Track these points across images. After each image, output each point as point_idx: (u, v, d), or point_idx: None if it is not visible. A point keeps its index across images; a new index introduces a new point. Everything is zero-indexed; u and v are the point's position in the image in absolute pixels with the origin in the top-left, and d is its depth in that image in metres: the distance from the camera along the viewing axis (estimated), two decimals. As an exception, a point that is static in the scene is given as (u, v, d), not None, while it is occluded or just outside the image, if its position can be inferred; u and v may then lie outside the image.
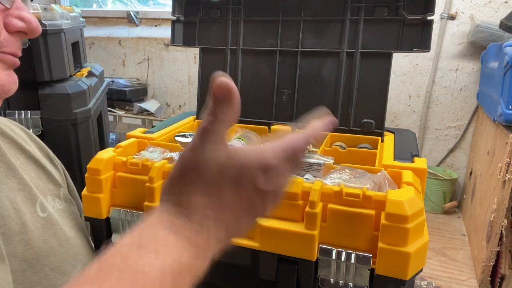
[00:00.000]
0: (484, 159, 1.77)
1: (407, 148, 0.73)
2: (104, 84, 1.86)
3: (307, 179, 0.60)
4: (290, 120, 0.86)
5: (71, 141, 1.38)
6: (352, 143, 0.81)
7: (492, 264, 1.49)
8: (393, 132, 0.84)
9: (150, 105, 2.63)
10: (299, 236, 0.52)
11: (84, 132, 1.42)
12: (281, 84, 0.87)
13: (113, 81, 2.60)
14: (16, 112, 1.30)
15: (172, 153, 0.70)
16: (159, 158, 0.67)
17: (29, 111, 1.31)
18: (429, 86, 2.21)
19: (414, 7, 0.76)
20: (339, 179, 0.58)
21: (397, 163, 0.64)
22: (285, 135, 0.34)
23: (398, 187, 0.58)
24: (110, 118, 2.48)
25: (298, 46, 0.85)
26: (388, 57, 0.79)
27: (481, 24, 1.92)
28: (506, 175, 1.39)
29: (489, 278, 1.52)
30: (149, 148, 0.72)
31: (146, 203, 0.61)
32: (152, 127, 0.85)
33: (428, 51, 0.76)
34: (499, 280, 1.49)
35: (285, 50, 0.86)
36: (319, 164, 0.63)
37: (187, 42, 0.94)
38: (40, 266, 0.46)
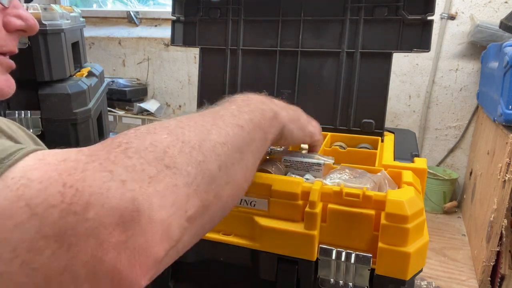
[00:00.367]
0: (484, 159, 1.77)
1: (407, 148, 0.73)
2: (104, 84, 1.86)
3: (307, 179, 0.60)
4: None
5: (71, 141, 1.38)
6: (352, 143, 0.81)
7: (492, 264, 1.49)
8: (393, 132, 0.84)
9: (150, 105, 2.63)
10: (299, 236, 0.52)
11: (84, 132, 1.42)
12: (281, 84, 0.87)
13: (113, 81, 2.60)
14: (16, 112, 1.30)
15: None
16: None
17: (29, 111, 1.31)
18: (429, 86, 2.21)
19: (414, 7, 0.76)
20: (339, 179, 0.58)
21: (397, 163, 0.64)
22: None
23: (398, 187, 0.58)
24: (110, 118, 2.48)
25: (298, 46, 0.85)
26: (388, 57, 0.79)
27: (481, 24, 1.92)
28: (506, 175, 1.39)
29: (489, 278, 1.52)
30: (149, 148, 0.72)
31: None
32: (152, 127, 0.85)
33: (428, 51, 0.76)
34: (499, 280, 1.49)
35: (285, 50, 0.86)
36: (319, 164, 0.63)
37: (187, 42, 0.93)
38: None
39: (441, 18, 2.10)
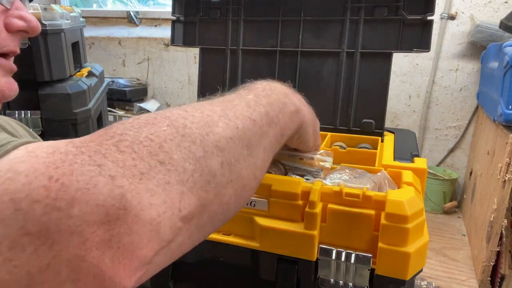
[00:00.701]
0: (484, 159, 1.77)
1: (407, 148, 0.73)
2: (104, 84, 1.86)
3: (307, 179, 0.60)
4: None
5: (71, 141, 1.38)
6: (352, 143, 0.81)
7: (492, 264, 1.49)
8: (393, 132, 0.84)
9: (150, 105, 2.63)
10: (299, 236, 0.52)
11: (84, 132, 1.42)
12: (281, 84, 0.87)
13: (113, 81, 2.60)
14: (16, 112, 1.30)
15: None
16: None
17: (29, 111, 1.31)
18: (429, 86, 2.21)
19: (414, 7, 0.76)
20: (339, 179, 0.58)
21: (397, 163, 0.64)
22: None
23: (398, 187, 0.58)
24: (110, 118, 2.48)
25: (298, 46, 0.85)
26: (388, 57, 0.79)
27: (481, 24, 1.92)
28: (506, 175, 1.39)
29: (489, 278, 1.52)
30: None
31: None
32: (152, 127, 0.85)
33: (428, 51, 0.76)
34: (499, 280, 1.49)
35: (285, 50, 0.86)
36: (318, 171, 0.63)
37: (187, 42, 0.93)
38: None
39: (441, 18, 2.10)
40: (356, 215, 0.52)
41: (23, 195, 0.23)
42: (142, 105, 2.59)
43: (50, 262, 0.23)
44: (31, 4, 1.29)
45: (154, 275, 0.28)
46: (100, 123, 1.70)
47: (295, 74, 0.86)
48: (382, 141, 0.79)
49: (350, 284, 0.52)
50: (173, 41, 0.92)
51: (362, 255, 0.51)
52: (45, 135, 1.31)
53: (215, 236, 0.57)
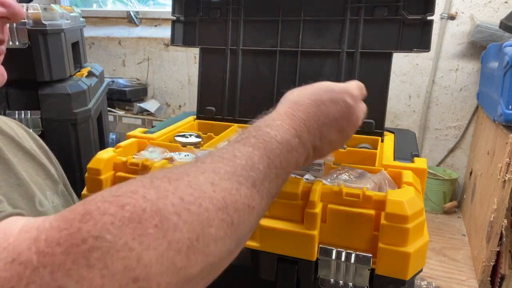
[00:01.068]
0: (484, 159, 1.77)
1: (407, 148, 0.73)
2: (104, 84, 1.86)
3: (307, 179, 0.60)
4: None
5: (71, 141, 1.38)
6: (352, 143, 0.81)
7: (492, 264, 1.49)
8: (393, 132, 0.84)
9: (150, 105, 2.63)
10: (299, 236, 0.52)
11: (84, 132, 1.42)
12: (281, 84, 0.87)
13: (113, 81, 2.60)
14: (16, 112, 1.30)
15: (172, 153, 0.70)
16: (159, 158, 0.67)
17: (29, 111, 1.31)
18: (429, 86, 2.21)
19: (414, 7, 0.76)
20: (339, 179, 0.58)
21: (397, 163, 0.64)
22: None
23: (398, 187, 0.58)
24: (110, 118, 2.48)
25: (298, 46, 0.85)
26: (388, 57, 0.79)
27: (481, 24, 1.92)
28: (506, 175, 1.39)
29: (489, 278, 1.52)
30: (149, 148, 0.72)
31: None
32: (152, 127, 0.85)
33: (428, 51, 0.76)
34: (499, 280, 1.49)
35: (285, 50, 0.86)
36: (319, 164, 0.63)
37: (187, 42, 0.93)
38: None
39: (441, 18, 2.10)
40: (356, 215, 0.52)
41: None
42: (142, 105, 2.59)
43: None
44: (31, 4, 1.29)
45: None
46: (100, 123, 1.70)
47: (295, 74, 0.86)
48: (382, 141, 0.79)
49: (350, 284, 0.52)
50: (173, 41, 0.92)
51: (362, 255, 0.51)
52: (45, 135, 1.31)
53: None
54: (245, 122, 0.88)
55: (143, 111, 2.59)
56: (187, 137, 0.79)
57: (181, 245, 0.24)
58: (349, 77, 0.82)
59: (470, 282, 1.62)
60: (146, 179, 0.27)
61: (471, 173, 2.07)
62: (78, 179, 1.30)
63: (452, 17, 2.10)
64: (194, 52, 2.60)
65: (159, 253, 0.23)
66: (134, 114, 2.57)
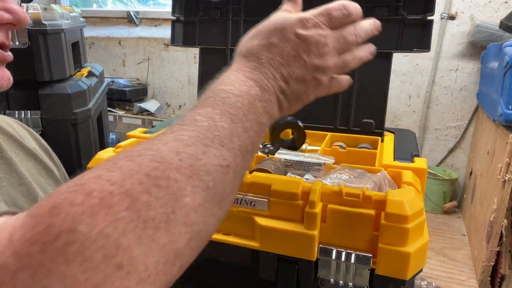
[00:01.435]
0: (484, 159, 1.77)
1: (407, 148, 0.73)
2: (104, 84, 1.86)
3: (307, 179, 0.60)
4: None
5: (71, 141, 1.38)
6: (352, 143, 0.81)
7: (492, 264, 1.49)
8: (393, 132, 0.84)
9: (150, 105, 2.63)
10: (299, 236, 0.52)
11: (84, 132, 1.42)
12: (281, 84, 0.87)
13: (113, 81, 2.60)
14: (16, 112, 1.30)
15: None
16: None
17: (29, 111, 1.31)
18: (429, 86, 2.21)
19: (414, 7, 0.76)
20: (339, 179, 0.58)
21: (397, 163, 0.64)
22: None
23: (398, 187, 0.58)
24: (110, 118, 2.48)
25: (298, 46, 0.85)
26: (388, 57, 0.79)
27: (481, 24, 1.92)
28: (506, 175, 1.39)
29: (489, 278, 1.52)
30: (149, 148, 0.72)
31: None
32: (152, 127, 0.85)
33: (428, 51, 0.76)
34: (499, 280, 1.49)
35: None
36: (319, 164, 0.63)
37: (187, 42, 0.93)
38: None
39: (441, 18, 2.10)
40: (356, 215, 0.52)
41: None
42: (142, 105, 2.59)
43: None
44: (31, 4, 1.29)
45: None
46: (100, 123, 1.70)
47: (295, 74, 0.86)
48: (382, 141, 0.79)
49: (350, 284, 0.52)
50: (173, 41, 0.92)
51: (362, 255, 0.51)
52: (45, 135, 1.31)
53: (215, 236, 0.57)
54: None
55: (143, 111, 2.59)
56: (187, 137, 0.79)
57: (158, 221, 0.24)
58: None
59: (470, 282, 1.62)
60: (108, 162, 0.26)
61: (471, 173, 2.07)
62: (78, 179, 1.29)
63: (452, 17, 2.10)
64: (194, 52, 2.60)
65: (137, 235, 0.23)
66: (134, 114, 2.57)
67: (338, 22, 0.42)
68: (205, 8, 0.91)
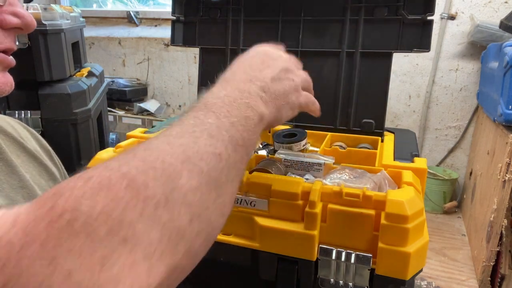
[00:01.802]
0: (484, 159, 1.77)
1: (407, 148, 0.73)
2: (104, 84, 1.86)
3: (307, 179, 0.60)
4: (290, 120, 0.85)
5: (71, 141, 1.38)
6: (352, 143, 0.81)
7: (492, 264, 1.49)
8: (393, 132, 0.84)
9: (150, 105, 2.63)
10: (299, 236, 0.52)
11: (84, 132, 1.42)
12: (281, 84, 0.87)
13: (113, 81, 2.60)
14: (16, 112, 1.30)
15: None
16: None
17: (29, 111, 1.31)
18: (429, 86, 2.21)
19: (414, 7, 0.76)
20: (339, 179, 0.58)
21: (397, 163, 0.64)
22: None
23: (398, 187, 0.58)
24: (110, 118, 2.48)
25: (298, 46, 0.85)
26: (388, 57, 0.79)
27: (481, 24, 1.92)
28: (506, 175, 1.39)
29: (489, 278, 1.52)
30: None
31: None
32: (152, 127, 0.85)
33: (428, 51, 0.76)
34: (499, 280, 1.49)
35: (285, 50, 0.86)
36: (319, 164, 0.63)
37: (187, 42, 0.93)
38: None
39: (441, 18, 2.10)
40: (356, 215, 0.52)
41: None
42: (142, 105, 2.59)
43: None
44: (31, 4, 1.29)
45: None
46: (100, 123, 1.70)
47: (295, 74, 0.86)
48: (382, 141, 0.79)
49: (350, 284, 0.52)
50: (173, 41, 0.92)
51: (362, 255, 0.51)
52: (45, 135, 1.31)
53: (215, 236, 0.57)
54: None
55: (143, 111, 2.59)
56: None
57: (157, 199, 0.25)
58: (349, 77, 0.82)
59: (470, 282, 1.62)
60: (103, 162, 0.28)
61: (471, 173, 2.07)
62: (78, 179, 1.29)
63: (452, 17, 2.10)
64: (194, 52, 2.60)
65: (138, 212, 0.24)
66: (134, 114, 2.57)
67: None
68: (205, 8, 0.91)
